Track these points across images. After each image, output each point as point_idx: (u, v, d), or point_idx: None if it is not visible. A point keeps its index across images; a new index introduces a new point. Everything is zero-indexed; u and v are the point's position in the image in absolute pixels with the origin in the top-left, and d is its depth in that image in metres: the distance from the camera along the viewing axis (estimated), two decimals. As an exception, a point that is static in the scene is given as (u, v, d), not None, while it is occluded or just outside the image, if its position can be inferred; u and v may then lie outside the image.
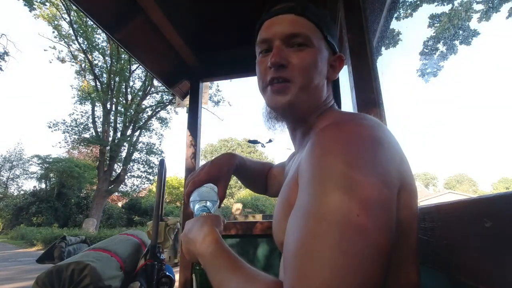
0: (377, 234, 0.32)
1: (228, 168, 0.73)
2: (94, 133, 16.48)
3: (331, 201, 0.34)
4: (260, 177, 0.90)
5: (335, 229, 0.32)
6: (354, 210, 0.32)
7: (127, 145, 17.45)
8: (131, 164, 18.84)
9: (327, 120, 0.54)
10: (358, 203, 0.33)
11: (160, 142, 25.33)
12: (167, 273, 1.08)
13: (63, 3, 13.47)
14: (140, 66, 13.90)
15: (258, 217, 10.88)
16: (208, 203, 0.64)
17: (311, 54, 0.53)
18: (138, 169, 19.80)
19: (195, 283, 0.58)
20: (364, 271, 0.30)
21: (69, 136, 17.14)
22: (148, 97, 17.62)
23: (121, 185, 18.23)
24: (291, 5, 0.56)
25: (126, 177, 18.11)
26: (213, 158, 0.75)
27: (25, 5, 13.23)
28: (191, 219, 0.59)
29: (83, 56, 15.50)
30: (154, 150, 19.33)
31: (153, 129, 19.32)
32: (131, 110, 16.90)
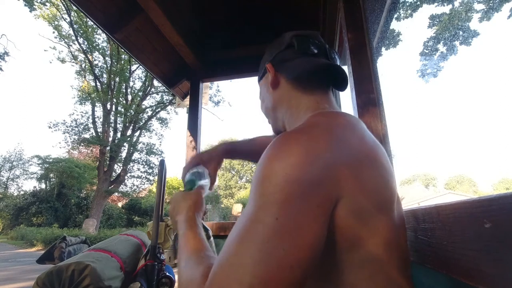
0: (293, 238, 0.34)
1: (216, 153, 0.86)
2: (94, 134, 16.48)
3: (253, 208, 0.38)
4: (254, 154, 0.92)
5: (257, 230, 0.36)
6: (274, 214, 0.35)
7: (127, 145, 17.45)
8: (131, 164, 18.84)
9: None
10: (278, 209, 0.35)
11: (160, 142, 25.41)
12: (167, 274, 1.08)
13: (63, 3, 13.48)
14: (140, 66, 13.90)
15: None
16: (198, 175, 0.75)
17: (261, 100, 0.72)
18: (138, 169, 19.80)
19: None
20: (274, 268, 0.33)
21: (69, 136, 17.16)
22: (148, 97, 17.63)
23: (121, 185, 18.23)
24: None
25: (126, 177, 18.11)
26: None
27: (25, 5, 13.24)
28: (179, 193, 0.72)
29: (83, 56, 15.52)
30: (154, 150, 19.32)
31: (153, 129, 19.33)
32: (131, 111, 16.91)
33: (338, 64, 0.64)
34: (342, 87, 0.64)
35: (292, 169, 0.37)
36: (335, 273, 0.43)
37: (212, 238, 0.70)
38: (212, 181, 0.81)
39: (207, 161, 0.83)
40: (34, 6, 13.65)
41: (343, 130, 0.46)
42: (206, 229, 0.63)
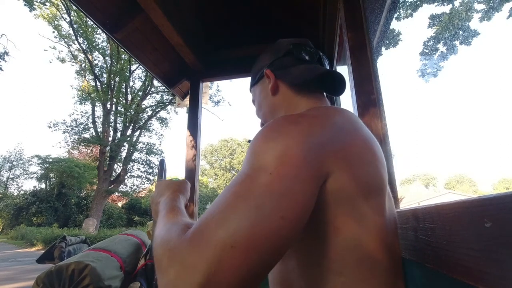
0: (282, 197, 0.35)
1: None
2: (94, 133, 16.49)
3: (247, 167, 0.39)
4: None
5: (245, 186, 0.36)
6: (265, 176, 0.36)
7: (127, 145, 17.46)
8: (131, 164, 18.84)
9: None
10: (269, 172, 0.36)
11: (160, 142, 25.43)
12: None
13: (63, 3, 13.48)
14: (140, 66, 13.90)
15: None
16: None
17: (256, 105, 0.72)
18: (138, 169, 19.80)
19: None
20: (261, 223, 0.33)
21: (69, 136, 17.16)
22: (148, 97, 17.63)
23: (121, 185, 18.23)
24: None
25: (126, 177, 18.11)
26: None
27: (25, 5, 13.23)
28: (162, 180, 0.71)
29: (83, 56, 15.52)
30: (154, 150, 19.33)
31: (153, 129, 19.35)
32: (131, 110, 16.91)
33: (328, 67, 0.68)
34: (338, 92, 0.67)
35: (286, 146, 0.38)
36: (323, 258, 0.43)
37: None
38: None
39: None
40: (34, 6, 13.64)
41: (338, 116, 0.48)
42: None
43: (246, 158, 0.41)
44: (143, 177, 20.05)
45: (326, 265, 0.43)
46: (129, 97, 17.04)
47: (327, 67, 0.67)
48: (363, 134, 0.48)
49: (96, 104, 16.46)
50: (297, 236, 0.36)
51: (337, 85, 0.65)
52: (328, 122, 0.45)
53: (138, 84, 18.55)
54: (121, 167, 17.23)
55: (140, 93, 17.31)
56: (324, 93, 0.66)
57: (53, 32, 15.12)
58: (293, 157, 0.38)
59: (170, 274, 0.33)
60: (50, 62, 18.79)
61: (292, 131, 0.40)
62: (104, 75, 16.15)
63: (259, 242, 0.32)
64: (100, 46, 15.49)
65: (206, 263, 0.30)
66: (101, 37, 15.37)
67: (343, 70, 1.35)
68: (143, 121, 18.02)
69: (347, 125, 0.47)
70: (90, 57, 15.31)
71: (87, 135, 17.06)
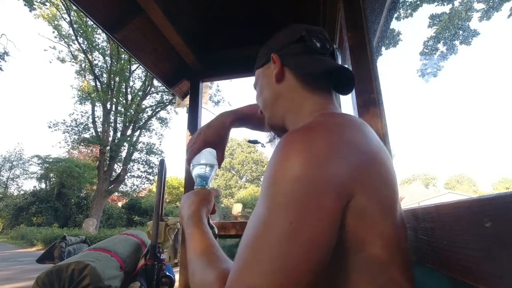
0: (308, 242, 0.35)
1: (224, 131, 0.78)
2: (94, 133, 16.48)
3: (272, 210, 0.38)
4: (255, 117, 0.84)
5: (271, 235, 0.36)
6: (288, 218, 0.35)
7: (127, 145, 17.45)
8: (131, 164, 18.84)
9: None
10: (292, 212, 0.36)
11: (160, 142, 25.42)
12: (167, 273, 1.08)
13: (63, 3, 13.48)
14: (140, 66, 13.90)
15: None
16: (207, 168, 0.71)
17: (258, 90, 0.67)
18: (138, 169, 19.81)
19: None
20: (291, 273, 0.34)
21: (69, 136, 17.17)
22: (148, 97, 17.63)
23: (121, 185, 18.23)
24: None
25: (126, 177, 18.12)
26: (209, 121, 0.79)
27: (25, 5, 13.23)
28: (188, 192, 0.69)
29: (83, 56, 15.52)
30: (154, 150, 19.33)
31: (153, 129, 19.34)
32: (131, 110, 16.90)
33: (340, 63, 0.63)
34: (347, 92, 0.62)
35: (303, 171, 0.37)
36: (339, 275, 0.42)
37: (217, 237, 0.68)
38: (220, 161, 0.76)
39: (213, 142, 0.75)
40: (34, 6, 13.64)
41: (351, 131, 0.45)
42: (211, 227, 0.62)
43: (263, 192, 0.40)
44: (143, 177, 20.07)
45: (341, 281, 0.42)
46: (129, 97, 17.04)
47: (339, 62, 0.63)
48: (377, 149, 0.46)
49: (96, 104, 16.46)
50: (322, 272, 0.37)
51: (346, 84, 0.60)
52: (342, 140, 0.42)
53: (138, 84, 18.54)
54: (121, 167, 17.23)
55: (140, 93, 17.30)
56: (331, 91, 0.61)
57: (53, 32, 15.13)
58: (312, 190, 0.36)
59: None
60: (50, 62, 18.83)
61: (308, 160, 0.38)
62: (104, 75, 16.15)
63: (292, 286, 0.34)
64: (100, 46, 15.49)
65: None
66: (101, 37, 15.37)
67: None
68: (143, 121, 18.02)
69: (364, 142, 0.44)
70: (90, 57, 15.31)
71: (87, 135, 17.06)
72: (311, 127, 0.45)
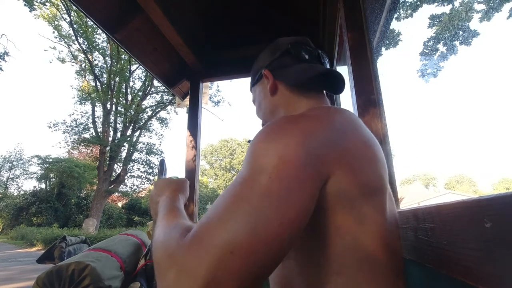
0: (283, 206, 0.35)
1: None
2: (94, 133, 16.49)
3: (246, 169, 0.39)
4: None
5: (248, 195, 0.35)
6: (266, 181, 0.36)
7: (127, 145, 17.46)
8: (131, 164, 18.84)
9: None
10: (271, 176, 0.36)
11: (160, 142, 25.42)
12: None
13: (63, 3, 13.48)
14: (140, 66, 13.90)
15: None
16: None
17: (256, 104, 0.72)
18: (138, 169, 19.80)
19: None
20: (262, 234, 0.32)
21: (69, 136, 17.16)
22: (148, 97, 17.64)
23: (121, 185, 18.22)
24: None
25: (126, 177, 18.11)
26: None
27: (25, 5, 13.23)
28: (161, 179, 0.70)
29: (83, 56, 15.52)
30: (154, 150, 19.33)
31: (153, 129, 19.35)
32: (131, 110, 16.91)
33: (328, 67, 0.67)
34: (338, 90, 0.67)
35: (287, 147, 0.38)
36: (323, 258, 0.43)
37: None
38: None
39: None
40: (34, 6, 13.65)
41: (338, 116, 0.48)
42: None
43: (245, 159, 0.41)
44: (143, 177, 20.05)
45: (327, 265, 0.43)
46: (129, 97, 17.04)
47: (327, 65, 0.67)
48: (363, 134, 0.48)
49: (96, 104, 16.46)
50: (297, 239, 0.36)
51: (336, 83, 0.65)
52: (328, 122, 0.45)
53: (138, 84, 18.57)
54: (121, 167, 17.23)
55: (140, 93, 17.31)
56: (324, 92, 0.66)
57: (53, 32, 15.13)
58: (293, 159, 0.37)
59: (169, 278, 0.33)
60: (50, 62, 18.74)
61: (291, 132, 0.40)
62: (104, 75, 16.15)
63: (259, 247, 0.32)
64: (100, 46, 15.49)
65: (205, 269, 0.30)
66: (101, 37, 15.37)
67: (343, 70, 1.36)
68: (143, 121, 18.02)
69: (347, 125, 0.47)
70: (90, 57, 15.31)
71: (87, 135, 17.06)
72: (300, 113, 0.49)
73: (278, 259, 0.34)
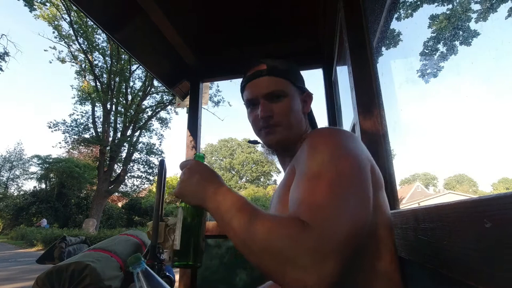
0: (365, 189, 0.46)
1: None
2: (94, 133, 16.49)
3: (327, 164, 0.47)
4: None
5: (334, 180, 0.44)
6: (347, 168, 0.46)
7: (127, 145, 17.46)
8: (131, 164, 18.86)
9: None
10: (347, 167, 0.47)
11: (160, 142, 25.35)
12: (167, 274, 1.08)
13: (63, 3, 13.48)
14: (140, 66, 13.91)
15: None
16: None
17: (287, 102, 0.70)
18: (138, 169, 19.82)
19: (181, 218, 0.60)
20: (356, 221, 0.42)
21: (69, 136, 17.17)
22: (148, 97, 17.64)
23: (121, 185, 18.23)
24: (263, 69, 0.71)
25: (126, 177, 18.12)
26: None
27: (25, 5, 13.24)
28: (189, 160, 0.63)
29: (83, 56, 15.53)
30: (154, 150, 19.34)
31: (153, 129, 19.35)
32: (131, 111, 16.91)
33: None
34: None
35: (348, 149, 0.50)
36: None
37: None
38: None
39: None
40: (34, 6, 13.65)
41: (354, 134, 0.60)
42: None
43: (327, 152, 0.49)
44: (143, 177, 20.07)
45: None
46: (129, 97, 17.04)
47: None
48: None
49: (96, 104, 16.47)
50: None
51: None
52: (354, 135, 0.58)
53: (138, 84, 18.61)
54: (121, 167, 17.23)
55: (140, 93, 17.31)
56: None
57: (53, 32, 15.14)
58: (361, 159, 0.50)
59: (299, 262, 0.37)
60: (50, 62, 18.83)
61: (348, 140, 0.53)
62: (104, 75, 16.16)
63: (360, 230, 0.42)
64: (100, 46, 15.50)
65: (337, 252, 0.38)
66: (101, 37, 15.38)
67: (343, 70, 1.35)
68: (143, 121, 18.02)
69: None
70: (90, 57, 15.32)
71: (87, 135, 17.07)
72: (330, 127, 0.66)
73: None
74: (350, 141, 0.52)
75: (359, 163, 0.48)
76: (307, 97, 0.77)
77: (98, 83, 15.85)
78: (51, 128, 16.76)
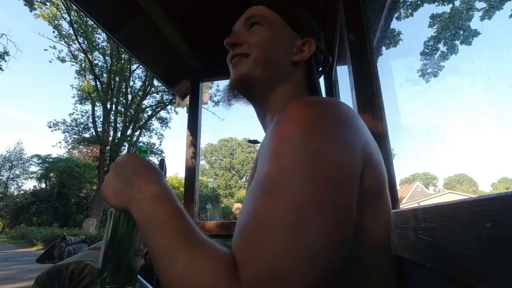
0: (335, 210, 0.30)
1: None
2: (94, 133, 16.50)
3: (287, 174, 0.31)
4: None
5: (289, 201, 0.29)
6: (310, 185, 0.30)
7: (127, 145, 17.46)
8: (131, 164, 18.82)
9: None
10: (314, 178, 0.30)
11: (160, 142, 25.34)
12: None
13: (63, 3, 13.48)
14: (140, 66, 13.91)
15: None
16: None
17: (264, 30, 0.56)
18: (138, 169, 19.78)
19: (109, 226, 0.47)
20: (319, 246, 0.28)
21: (70, 136, 17.18)
22: (148, 97, 17.65)
23: (121, 185, 18.21)
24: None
25: (126, 177, 18.09)
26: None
27: (25, 5, 13.23)
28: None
29: (83, 55, 15.53)
30: (154, 150, 19.34)
31: (153, 129, 19.37)
32: (131, 110, 16.92)
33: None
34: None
35: (342, 152, 0.34)
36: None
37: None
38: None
39: None
40: (34, 6, 13.65)
41: (353, 112, 0.43)
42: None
43: (299, 146, 0.33)
44: (143, 177, 20.03)
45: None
46: (129, 97, 17.05)
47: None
48: (370, 133, 0.45)
49: (96, 104, 16.48)
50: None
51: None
52: (355, 117, 0.41)
53: (138, 84, 18.63)
54: (121, 167, 17.22)
55: (140, 93, 17.32)
56: None
57: (53, 31, 15.15)
58: (356, 161, 0.36)
59: None
60: (50, 62, 18.81)
61: (347, 122, 0.37)
62: (104, 75, 16.16)
63: (333, 258, 0.29)
64: (100, 46, 15.50)
65: None
66: (101, 37, 15.38)
67: (343, 69, 1.35)
68: (143, 121, 18.03)
69: (363, 122, 0.43)
70: (90, 57, 15.32)
71: (87, 135, 17.08)
72: (322, 100, 0.40)
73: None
74: (343, 129, 0.36)
75: (347, 170, 0.33)
76: (307, 44, 0.57)
77: (98, 83, 15.85)
78: (51, 127, 16.78)
